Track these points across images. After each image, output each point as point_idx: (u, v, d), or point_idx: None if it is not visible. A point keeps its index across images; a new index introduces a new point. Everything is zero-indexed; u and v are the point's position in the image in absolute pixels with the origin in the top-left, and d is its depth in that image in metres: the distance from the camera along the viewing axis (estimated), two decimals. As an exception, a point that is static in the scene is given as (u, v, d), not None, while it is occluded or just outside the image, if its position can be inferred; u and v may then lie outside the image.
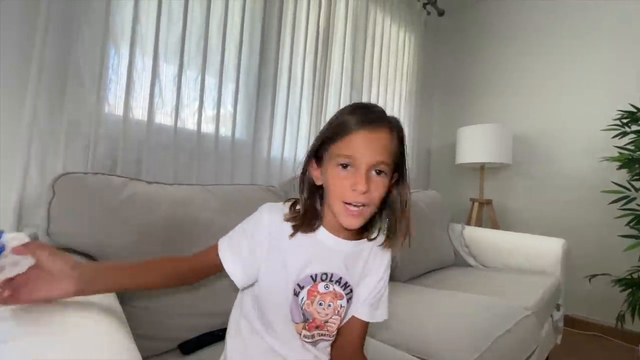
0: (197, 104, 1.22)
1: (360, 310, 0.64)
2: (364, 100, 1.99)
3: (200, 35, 1.22)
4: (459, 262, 1.81)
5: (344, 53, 1.83)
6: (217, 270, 0.59)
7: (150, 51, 1.09)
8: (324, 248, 0.60)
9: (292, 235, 0.58)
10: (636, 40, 1.90)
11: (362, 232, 0.63)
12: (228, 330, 0.65)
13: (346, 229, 0.58)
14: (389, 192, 0.59)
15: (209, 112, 1.27)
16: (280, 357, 0.60)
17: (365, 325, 0.66)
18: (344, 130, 0.54)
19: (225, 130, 1.33)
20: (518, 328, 1.02)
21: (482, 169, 2.20)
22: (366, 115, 0.55)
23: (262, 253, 0.58)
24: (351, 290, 0.62)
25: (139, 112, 1.09)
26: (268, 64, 1.46)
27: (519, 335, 1.01)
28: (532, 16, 2.28)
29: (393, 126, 0.57)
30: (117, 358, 0.37)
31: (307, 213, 0.59)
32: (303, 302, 0.59)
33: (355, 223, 0.55)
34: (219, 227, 0.82)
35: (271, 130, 1.47)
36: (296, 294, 0.59)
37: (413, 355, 0.83)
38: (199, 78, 1.22)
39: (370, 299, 0.64)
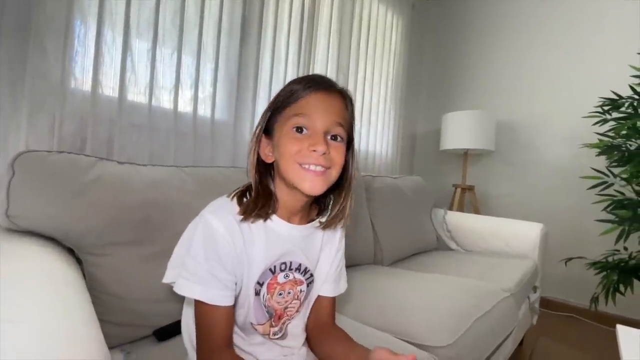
0: (173, 81, 1.15)
1: (325, 287, 0.64)
2: (351, 82, 1.95)
3: (176, 10, 1.15)
4: (441, 246, 1.83)
5: (330, 33, 1.78)
6: (231, 310, 0.53)
7: (120, 23, 1.01)
8: (278, 237, 0.56)
9: (242, 220, 0.52)
10: (617, 28, 1.91)
11: (312, 212, 0.61)
12: (185, 343, 0.61)
13: (300, 207, 0.56)
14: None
15: (186, 91, 1.21)
16: (246, 353, 0.58)
17: (333, 300, 0.66)
18: (295, 95, 0.52)
19: (204, 110, 1.27)
20: (497, 309, 1.04)
21: (465, 155, 2.21)
22: (317, 80, 0.53)
23: (233, 265, 0.53)
24: (311, 275, 0.61)
25: (110, 88, 1.02)
26: (250, 41, 1.39)
27: (498, 317, 1.03)
28: (518, 4, 2.27)
29: (344, 93, 0.55)
30: (79, 348, 0.35)
31: (260, 196, 0.54)
32: (265, 298, 0.57)
33: (318, 186, 0.51)
34: (197, 211, 0.78)
35: (253, 111, 1.41)
36: (257, 293, 0.56)
37: (395, 337, 0.84)
38: (175, 55, 1.15)
39: (332, 274, 0.64)
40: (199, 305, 0.52)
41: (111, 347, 0.70)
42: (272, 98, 0.56)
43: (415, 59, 2.60)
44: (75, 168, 0.72)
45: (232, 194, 0.56)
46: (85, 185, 0.70)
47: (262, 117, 0.56)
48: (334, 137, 0.53)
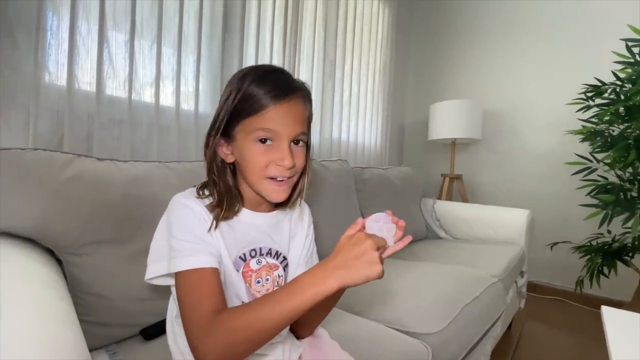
0: (153, 74, 1.11)
1: (299, 271, 0.63)
2: (338, 73, 1.93)
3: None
4: (430, 235, 1.85)
5: (315, 22, 1.75)
6: (219, 276, 0.51)
7: (95, 13, 0.97)
8: (246, 226, 0.58)
9: (215, 228, 0.53)
10: (602, 16, 1.93)
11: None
12: (168, 335, 0.60)
13: (268, 202, 0.57)
14: None
15: (168, 84, 1.17)
16: None
17: None
18: (257, 105, 0.50)
19: (187, 104, 1.24)
20: (485, 295, 1.05)
21: (453, 144, 2.22)
22: (278, 85, 0.51)
23: (210, 236, 0.53)
24: (285, 258, 0.61)
25: (86, 82, 0.98)
26: (233, 32, 1.36)
27: (486, 302, 1.05)
28: (504, -11, 2.27)
29: (304, 93, 0.55)
30: (56, 351, 0.33)
31: (226, 196, 0.55)
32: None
33: (284, 196, 0.54)
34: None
35: (238, 104, 1.38)
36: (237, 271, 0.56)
37: (385, 325, 0.84)
38: (155, 46, 1.11)
39: (304, 257, 0.64)
40: (186, 279, 0.49)
41: (97, 348, 0.69)
42: (226, 96, 0.53)
43: (402, 49, 2.59)
44: (51, 165, 0.69)
45: (192, 188, 0.58)
46: (62, 183, 0.68)
47: (219, 119, 0.53)
48: (297, 142, 0.54)
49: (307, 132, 0.57)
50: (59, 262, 0.68)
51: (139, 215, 0.75)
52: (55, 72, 0.93)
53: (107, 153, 1.01)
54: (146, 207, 0.77)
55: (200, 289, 0.48)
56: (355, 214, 1.44)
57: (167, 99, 1.17)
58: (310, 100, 0.57)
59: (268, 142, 0.51)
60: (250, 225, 0.58)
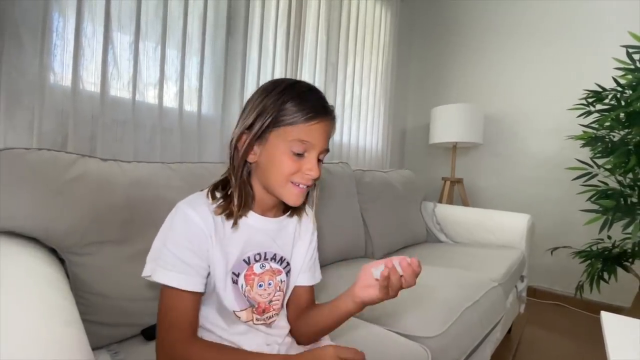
0: (157, 76, 1.12)
1: (302, 277, 0.66)
2: (340, 76, 1.94)
3: (159, 1, 1.12)
4: (430, 238, 1.85)
5: (318, 26, 1.76)
6: (199, 300, 0.55)
7: (100, 15, 0.98)
8: (253, 230, 0.59)
9: (234, 225, 0.56)
10: (603, 21, 1.94)
11: (284, 205, 0.64)
12: None
13: (274, 204, 0.61)
14: None
15: (171, 86, 1.18)
16: (229, 342, 0.59)
17: (311, 289, 0.68)
18: (301, 118, 0.53)
19: (190, 105, 1.24)
20: (485, 299, 1.06)
21: (454, 148, 2.23)
22: (320, 104, 0.56)
23: (207, 251, 0.55)
24: (288, 264, 0.63)
25: (91, 83, 0.99)
26: (236, 34, 1.37)
27: (486, 306, 1.05)
28: (505, 0, 2.28)
29: (334, 115, 0.59)
30: (60, 350, 0.33)
31: (243, 194, 0.57)
32: (244, 289, 0.58)
33: (301, 199, 0.58)
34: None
35: (241, 105, 1.39)
36: (235, 282, 0.58)
37: (386, 329, 0.84)
38: (159, 48, 1.12)
39: (307, 264, 0.67)
40: (167, 294, 0.53)
41: (98, 347, 0.69)
42: (268, 102, 0.54)
43: (404, 53, 2.60)
44: (55, 165, 0.69)
45: (207, 189, 0.59)
46: (66, 183, 0.68)
47: (259, 122, 0.54)
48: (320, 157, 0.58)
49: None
50: (61, 261, 0.68)
51: (141, 216, 0.76)
52: (61, 73, 0.94)
53: (111, 153, 1.01)
54: (148, 208, 0.77)
55: (177, 310, 0.52)
56: (356, 216, 1.44)
57: (170, 101, 1.18)
58: (334, 122, 0.61)
59: (304, 153, 0.55)
60: (257, 229, 0.59)
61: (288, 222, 0.65)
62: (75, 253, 0.68)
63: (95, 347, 0.69)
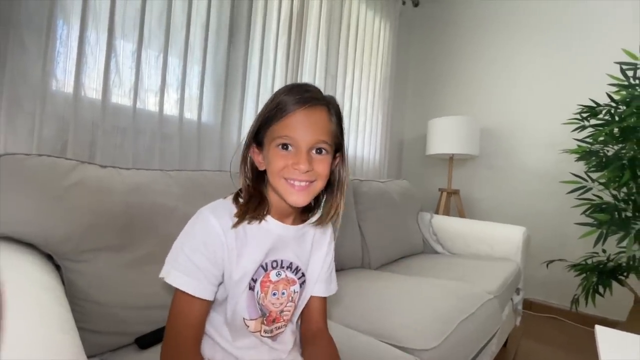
0: (158, 83, 1.13)
1: (317, 287, 0.66)
2: (339, 86, 1.96)
3: (162, 11, 1.14)
4: (427, 249, 1.85)
5: (318, 37, 1.79)
6: (207, 308, 0.56)
7: (104, 23, 1.00)
8: (273, 236, 0.59)
9: (234, 225, 0.55)
10: (598, 37, 1.98)
11: (305, 213, 0.64)
12: None
13: (292, 210, 0.59)
14: (330, 172, 0.59)
15: (172, 93, 1.19)
16: (233, 357, 0.58)
17: (324, 301, 0.68)
18: (281, 111, 0.53)
19: (190, 113, 1.25)
20: (481, 311, 1.05)
21: (450, 160, 2.25)
22: (302, 94, 0.54)
23: (222, 260, 0.55)
24: (303, 275, 0.63)
25: (93, 90, 0.99)
26: (238, 44, 1.39)
27: (482, 319, 1.05)
28: (501, 12, 2.33)
29: (330, 105, 0.57)
30: (56, 357, 0.33)
31: (253, 198, 0.57)
32: (259, 296, 0.58)
33: (302, 199, 0.55)
34: (183, 215, 0.77)
35: (241, 114, 1.41)
36: (251, 289, 0.57)
37: (380, 341, 0.84)
38: (161, 56, 1.13)
39: (323, 275, 0.66)
40: (178, 298, 0.54)
41: (91, 356, 0.68)
42: (264, 109, 0.57)
43: (402, 65, 2.64)
44: (54, 171, 0.70)
45: (229, 196, 0.60)
46: (65, 189, 0.68)
47: (251, 127, 0.58)
48: (319, 150, 0.55)
49: (335, 140, 0.58)
50: (57, 267, 0.68)
51: (139, 223, 0.76)
52: (63, 80, 0.95)
53: (110, 160, 1.02)
54: (146, 215, 0.77)
55: (185, 316, 0.53)
56: (353, 226, 1.44)
57: (171, 108, 1.19)
58: (337, 113, 0.58)
59: (290, 148, 0.54)
60: (275, 235, 0.59)
61: (307, 231, 0.64)
62: (72, 260, 0.68)
63: (88, 356, 0.68)
